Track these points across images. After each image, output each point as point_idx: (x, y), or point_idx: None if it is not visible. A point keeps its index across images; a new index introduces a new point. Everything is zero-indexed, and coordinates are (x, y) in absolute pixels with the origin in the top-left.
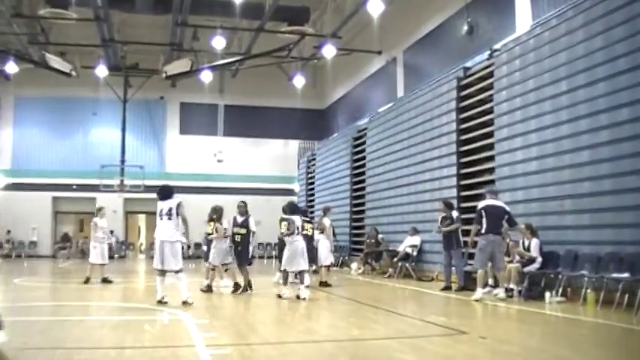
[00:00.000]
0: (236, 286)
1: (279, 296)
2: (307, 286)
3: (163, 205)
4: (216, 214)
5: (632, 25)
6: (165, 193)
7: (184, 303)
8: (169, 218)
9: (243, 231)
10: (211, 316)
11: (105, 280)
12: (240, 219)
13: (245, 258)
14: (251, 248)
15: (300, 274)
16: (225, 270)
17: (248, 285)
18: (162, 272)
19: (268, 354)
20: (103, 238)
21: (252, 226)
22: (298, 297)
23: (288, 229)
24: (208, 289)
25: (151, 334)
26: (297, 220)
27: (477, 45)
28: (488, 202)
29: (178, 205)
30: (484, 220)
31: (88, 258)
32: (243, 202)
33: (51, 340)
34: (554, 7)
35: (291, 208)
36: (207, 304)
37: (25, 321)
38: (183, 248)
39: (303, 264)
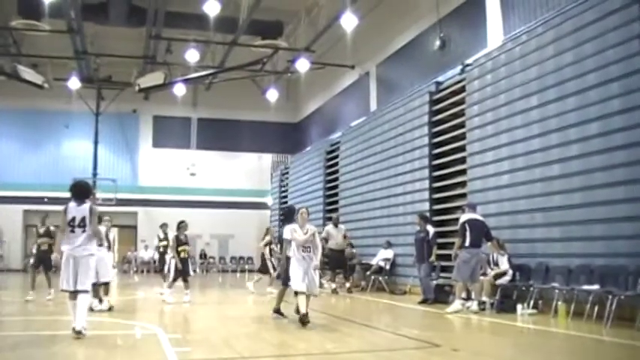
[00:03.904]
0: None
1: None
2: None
3: (77, 213)
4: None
5: (602, 41)
6: (83, 191)
7: (78, 333)
8: (84, 231)
9: (188, 248)
10: (184, 330)
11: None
12: (184, 237)
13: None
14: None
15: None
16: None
17: None
18: (74, 294)
19: None
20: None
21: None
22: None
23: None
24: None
25: (124, 349)
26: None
27: (449, 59)
28: (470, 215)
29: (92, 213)
30: (467, 234)
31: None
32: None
33: (22, 355)
34: (525, 22)
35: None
36: (180, 319)
37: None
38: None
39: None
